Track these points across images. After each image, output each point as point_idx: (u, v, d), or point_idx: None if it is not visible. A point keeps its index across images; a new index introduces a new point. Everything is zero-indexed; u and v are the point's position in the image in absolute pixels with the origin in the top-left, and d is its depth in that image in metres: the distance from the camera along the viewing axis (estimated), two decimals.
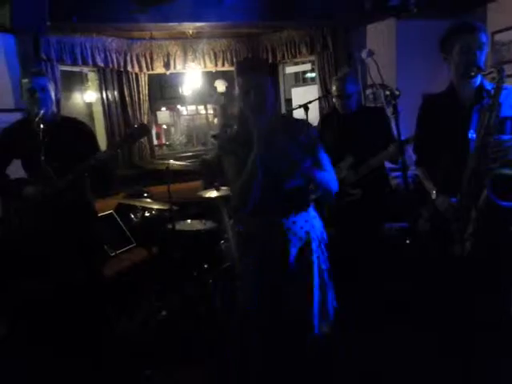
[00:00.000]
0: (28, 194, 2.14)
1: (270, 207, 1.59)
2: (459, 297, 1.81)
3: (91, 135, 2.40)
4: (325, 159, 1.65)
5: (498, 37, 3.55)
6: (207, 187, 3.24)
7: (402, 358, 2.13)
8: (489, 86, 1.77)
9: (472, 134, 1.74)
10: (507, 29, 3.48)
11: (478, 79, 1.78)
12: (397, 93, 1.79)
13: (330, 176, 1.64)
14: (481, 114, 1.69)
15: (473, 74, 1.71)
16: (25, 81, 2.19)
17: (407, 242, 2.53)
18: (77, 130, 2.32)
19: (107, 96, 4.44)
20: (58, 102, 3.10)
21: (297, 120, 1.80)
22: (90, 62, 4.14)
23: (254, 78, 1.55)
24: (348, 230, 2.24)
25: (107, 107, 4.44)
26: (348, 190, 2.38)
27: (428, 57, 3.64)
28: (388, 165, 2.70)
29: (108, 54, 4.26)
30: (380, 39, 4.11)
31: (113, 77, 4.46)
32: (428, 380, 1.98)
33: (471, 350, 1.86)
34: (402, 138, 1.87)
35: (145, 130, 2.23)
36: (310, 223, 1.64)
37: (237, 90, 1.61)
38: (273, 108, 1.57)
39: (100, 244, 2.69)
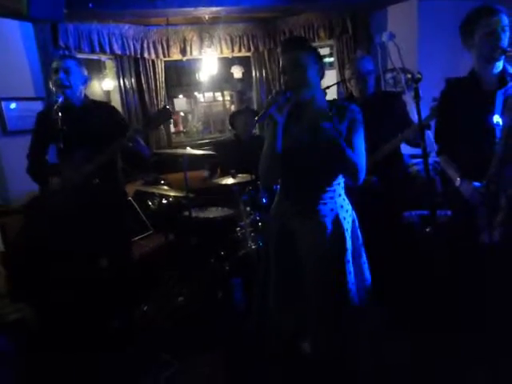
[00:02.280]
0: (57, 180, 2.17)
1: (298, 189, 1.60)
2: (486, 286, 1.76)
3: (121, 118, 2.40)
4: (359, 144, 1.58)
5: None
6: (212, 176, 3.24)
7: (425, 347, 2.10)
8: (510, 68, 1.74)
9: (497, 119, 1.70)
10: None
11: (501, 64, 1.75)
12: (418, 76, 1.72)
13: (358, 159, 1.56)
14: (508, 99, 1.65)
15: (498, 56, 1.68)
16: (53, 63, 2.19)
17: (427, 230, 2.47)
18: (106, 113, 2.31)
19: (124, 83, 4.46)
20: None
21: (340, 102, 1.70)
22: (108, 49, 4.17)
23: (292, 55, 1.54)
24: (365, 217, 2.20)
25: (124, 95, 4.47)
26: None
27: (451, 38, 3.50)
28: (408, 151, 2.63)
29: (125, 41, 4.27)
30: (401, 21, 3.97)
31: (130, 64, 4.47)
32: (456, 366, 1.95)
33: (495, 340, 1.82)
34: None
35: (167, 114, 2.20)
36: (340, 204, 1.63)
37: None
38: (316, 85, 1.57)
39: (128, 229, 2.69)
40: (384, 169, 2.34)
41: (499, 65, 1.74)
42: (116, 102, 4.57)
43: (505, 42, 1.68)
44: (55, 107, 2.06)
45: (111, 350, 2.28)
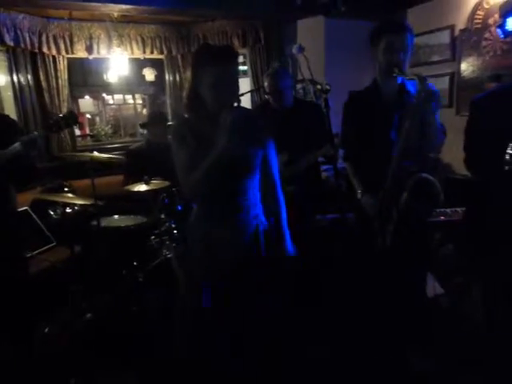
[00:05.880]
0: None
1: (224, 200, 1.55)
2: (383, 285, 1.92)
3: (12, 125, 2.13)
4: (273, 153, 1.65)
5: (415, 40, 3.82)
6: (130, 181, 3.07)
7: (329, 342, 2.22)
8: (409, 85, 1.83)
9: (394, 135, 1.79)
10: (424, 33, 3.76)
11: (400, 78, 1.83)
12: (327, 87, 1.83)
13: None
14: (403, 120, 1.72)
15: (394, 74, 1.75)
16: None
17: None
18: None
19: (19, 80, 4.00)
20: None
21: (248, 111, 1.73)
22: None
23: (233, 67, 1.48)
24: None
25: (19, 92, 4.00)
26: (283, 187, 2.39)
27: (354, 55, 3.82)
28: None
29: (19, 32, 3.83)
30: (310, 35, 4.21)
31: (25, 58, 4.02)
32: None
33: (391, 335, 2.00)
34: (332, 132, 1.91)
35: (72, 119, 2.01)
36: (260, 213, 1.64)
37: (201, 78, 1.45)
38: None
39: (19, 246, 2.38)
40: (302, 177, 2.42)
41: (398, 79, 1.82)
42: (8, 100, 4.06)
43: (403, 61, 1.74)
44: None
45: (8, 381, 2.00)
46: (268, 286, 1.60)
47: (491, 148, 1.60)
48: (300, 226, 2.42)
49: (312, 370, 2.06)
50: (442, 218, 2.60)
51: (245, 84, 4.89)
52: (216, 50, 1.47)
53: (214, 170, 1.41)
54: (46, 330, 2.47)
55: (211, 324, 1.56)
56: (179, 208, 2.75)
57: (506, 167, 1.53)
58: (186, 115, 1.57)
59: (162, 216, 2.75)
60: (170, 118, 4.48)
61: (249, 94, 4.44)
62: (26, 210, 3.11)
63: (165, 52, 4.71)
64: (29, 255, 2.86)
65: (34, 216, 3.14)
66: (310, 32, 4.25)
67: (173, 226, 2.72)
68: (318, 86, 2.02)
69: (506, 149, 1.52)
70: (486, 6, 3.36)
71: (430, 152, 1.84)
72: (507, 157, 1.52)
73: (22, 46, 3.89)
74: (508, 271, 1.81)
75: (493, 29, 3.28)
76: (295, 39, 4.34)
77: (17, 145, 1.87)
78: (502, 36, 3.09)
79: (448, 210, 2.63)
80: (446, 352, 2.11)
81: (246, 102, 4.47)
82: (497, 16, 3.24)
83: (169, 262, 2.54)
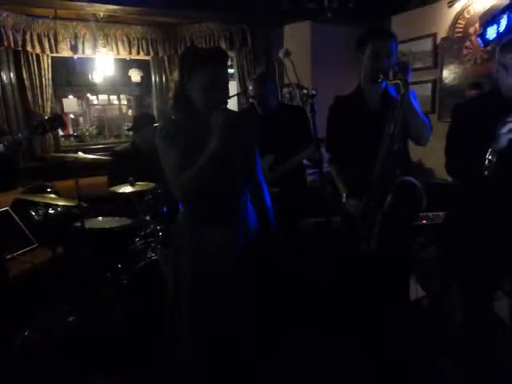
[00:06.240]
0: None
1: (215, 201, 1.55)
2: (368, 288, 1.95)
3: None
4: (258, 155, 1.67)
5: (399, 47, 3.91)
6: (114, 182, 3.04)
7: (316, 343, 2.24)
8: (392, 90, 1.88)
9: (378, 139, 1.81)
10: (407, 40, 3.85)
11: (384, 84, 1.87)
12: (313, 92, 1.85)
13: None
14: (385, 124, 1.76)
15: (379, 80, 1.79)
16: None
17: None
18: None
19: (1, 78, 3.94)
20: None
21: (236, 113, 1.74)
22: None
23: (224, 70, 1.49)
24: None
25: (1, 91, 3.94)
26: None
27: (340, 60, 3.88)
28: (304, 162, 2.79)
29: (3, 30, 3.78)
30: (297, 39, 4.26)
31: (9, 57, 3.97)
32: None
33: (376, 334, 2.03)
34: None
35: (58, 122, 1.99)
36: (250, 214, 1.65)
37: (192, 79, 1.44)
38: None
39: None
40: (287, 180, 2.44)
41: (382, 84, 1.87)
42: None
43: (388, 67, 1.78)
44: None
45: None
46: (259, 286, 1.61)
47: (472, 153, 1.65)
48: (284, 228, 2.47)
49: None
50: (424, 221, 2.65)
51: (231, 87, 4.89)
52: (207, 52, 1.48)
53: (205, 171, 1.41)
54: (26, 333, 2.41)
55: (202, 326, 1.56)
56: (164, 210, 2.73)
57: (486, 172, 1.58)
58: (173, 116, 1.57)
59: (147, 218, 2.73)
60: (156, 119, 4.46)
61: (235, 97, 4.46)
62: (7, 210, 3.05)
63: (151, 53, 4.69)
64: (9, 257, 2.81)
65: (15, 217, 3.07)
66: (296, 36, 4.30)
67: (158, 228, 2.70)
68: (304, 91, 2.05)
69: (486, 154, 1.58)
70: (467, 16, 3.46)
71: (421, 141, 1.87)
72: (486, 162, 1.57)
73: (6, 44, 3.84)
74: (488, 273, 1.87)
75: (473, 38, 3.39)
76: (282, 43, 4.38)
77: (0, 146, 1.85)
78: (482, 45, 3.19)
79: (430, 214, 2.69)
80: (427, 353, 2.15)
81: (232, 104, 4.49)
82: (477, 25, 3.35)
83: (154, 264, 2.52)
